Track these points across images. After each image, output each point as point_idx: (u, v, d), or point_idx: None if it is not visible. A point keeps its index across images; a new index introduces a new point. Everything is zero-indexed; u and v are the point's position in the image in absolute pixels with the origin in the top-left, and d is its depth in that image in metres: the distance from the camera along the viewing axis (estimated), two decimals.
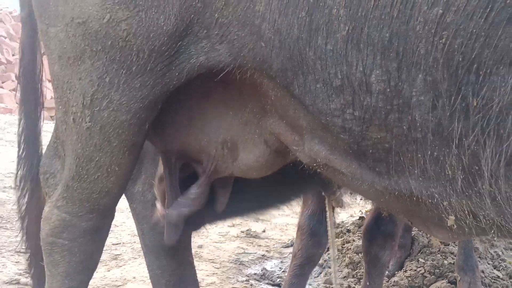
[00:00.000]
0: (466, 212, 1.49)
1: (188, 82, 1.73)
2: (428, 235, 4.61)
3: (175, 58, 1.66)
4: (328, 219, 3.09)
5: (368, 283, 3.37)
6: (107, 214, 2.03)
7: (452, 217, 1.55)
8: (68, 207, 1.95)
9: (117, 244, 4.56)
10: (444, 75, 1.35)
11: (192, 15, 1.60)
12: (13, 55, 14.88)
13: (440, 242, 4.50)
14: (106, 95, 1.71)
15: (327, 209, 3.08)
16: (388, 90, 1.43)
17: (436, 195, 1.52)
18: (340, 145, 1.62)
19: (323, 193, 3.02)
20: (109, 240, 4.55)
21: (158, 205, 2.26)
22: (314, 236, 3.41)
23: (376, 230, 3.24)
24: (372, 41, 1.41)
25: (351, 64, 1.45)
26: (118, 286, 3.81)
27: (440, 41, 1.33)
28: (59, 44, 1.74)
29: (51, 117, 14.43)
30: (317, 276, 4.36)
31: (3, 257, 4.07)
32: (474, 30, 1.29)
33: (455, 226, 1.57)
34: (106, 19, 1.63)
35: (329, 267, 4.47)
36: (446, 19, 1.31)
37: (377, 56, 1.41)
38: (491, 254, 4.45)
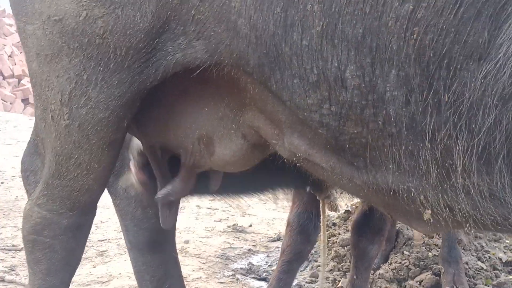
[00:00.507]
0: (442, 205, 1.52)
1: (166, 79, 1.74)
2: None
3: (152, 55, 1.66)
4: (321, 223, 3.12)
5: (355, 277, 3.39)
6: (88, 211, 2.03)
7: (429, 212, 1.57)
8: (49, 205, 1.95)
9: (103, 240, 4.55)
10: (416, 71, 1.37)
11: (169, 12, 1.60)
12: None
13: (424, 234, 4.53)
14: (84, 92, 1.71)
15: (321, 212, 3.12)
16: (363, 85, 1.45)
17: (413, 189, 1.54)
18: (319, 139, 1.63)
19: (317, 197, 3.06)
20: (95, 237, 4.55)
21: (133, 166, 2.26)
22: (303, 233, 3.42)
23: (365, 225, 3.26)
24: (346, 37, 1.42)
25: (326, 59, 1.47)
26: (104, 282, 3.81)
27: (412, 36, 1.35)
28: (37, 41, 1.73)
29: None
30: (303, 270, 4.37)
31: None
32: (444, 26, 1.32)
33: (431, 220, 1.59)
34: (83, 16, 1.63)
35: (316, 261, 4.50)
36: (417, 15, 1.33)
37: (351, 51, 1.43)
38: (475, 245, 4.49)
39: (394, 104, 1.43)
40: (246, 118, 1.84)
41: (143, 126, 2.04)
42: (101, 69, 1.68)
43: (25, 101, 14.59)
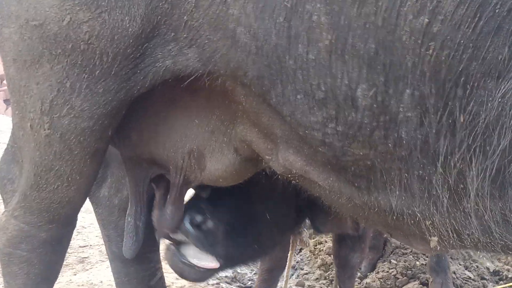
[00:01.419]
0: (450, 231, 1.44)
1: (154, 86, 1.64)
2: None
3: (140, 61, 1.57)
4: (289, 257, 3.10)
5: (339, 286, 3.35)
6: (68, 223, 1.94)
7: (435, 239, 1.50)
8: (26, 217, 1.85)
9: (84, 246, 4.43)
10: (431, 89, 1.29)
11: (159, 17, 1.51)
12: None
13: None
14: (66, 100, 1.61)
15: (290, 248, 3.10)
16: (375, 105, 1.36)
17: (418, 214, 1.46)
18: (318, 157, 1.54)
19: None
20: (76, 242, 4.43)
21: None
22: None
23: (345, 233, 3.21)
24: (358, 52, 1.33)
25: (335, 76, 1.37)
26: None
27: (427, 52, 1.26)
28: (14, 46, 1.63)
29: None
30: (289, 278, 4.30)
31: None
32: (462, 41, 1.23)
33: (437, 247, 1.52)
34: (66, 21, 1.53)
35: (302, 269, 4.43)
36: (433, 28, 1.24)
37: (363, 68, 1.33)
38: (463, 254, 4.46)
39: (407, 126, 1.34)
40: (238, 132, 1.75)
41: (127, 138, 1.93)
42: (86, 76, 1.58)
43: (7, 101, 14.38)
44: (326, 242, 4.60)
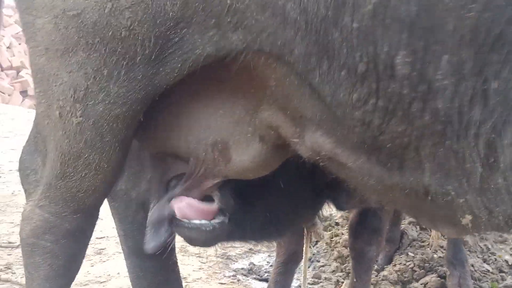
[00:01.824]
0: (482, 208, 1.41)
1: (192, 73, 1.63)
2: (418, 229, 4.57)
3: (180, 46, 1.55)
4: (304, 251, 3.07)
5: (355, 280, 3.33)
6: (92, 214, 1.93)
7: (469, 217, 1.46)
8: (51, 207, 1.84)
9: (101, 238, 4.46)
10: (469, 55, 1.25)
11: (197, 3, 1.49)
12: None
13: (429, 235, 4.47)
14: (102, 87, 1.60)
15: (305, 241, 3.06)
16: (414, 73, 1.32)
17: (452, 192, 1.42)
18: (351, 138, 1.50)
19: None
20: (93, 234, 4.45)
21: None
22: (296, 233, 3.36)
23: (361, 225, 3.19)
24: (399, 16, 1.29)
25: (376, 44, 1.33)
26: (102, 282, 3.72)
27: (469, 14, 1.23)
28: (47, 36, 1.63)
29: (34, 105, 14.27)
30: (302, 269, 4.29)
31: None
32: (504, 3, 1.20)
33: (470, 225, 1.49)
34: (108, 8, 1.52)
35: (318, 261, 4.42)
36: None
37: (403, 33, 1.30)
38: (481, 247, 4.42)
39: (443, 96, 1.31)
40: (264, 118, 1.72)
41: (152, 134, 1.92)
42: (125, 62, 1.57)
43: (23, 93, 14.49)
44: (342, 234, 4.58)
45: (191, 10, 1.50)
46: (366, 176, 1.57)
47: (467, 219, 1.49)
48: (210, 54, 1.56)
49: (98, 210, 1.95)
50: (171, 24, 1.51)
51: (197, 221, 2.03)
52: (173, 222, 2.04)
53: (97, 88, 1.61)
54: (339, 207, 2.63)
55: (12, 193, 5.37)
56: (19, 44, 15.65)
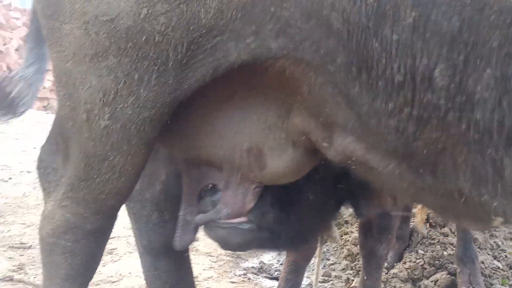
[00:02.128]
0: None
1: (215, 80, 1.65)
2: (428, 226, 4.58)
3: (212, 52, 1.58)
4: (318, 255, 3.08)
5: (365, 277, 3.33)
6: (113, 215, 1.95)
7: (500, 219, 1.48)
8: (73, 208, 1.86)
9: (112, 238, 4.44)
10: None
11: (234, 11, 1.51)
12: (4, 44, 14.69)
13: (440, 233, 4.47)
14: (132, 92, 1.63)
15: (318, 244, 3.08)
16: (452, 85, 1.34)
17: (486, 196, 1.44)
18: (383, 145, 1.53)
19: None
20: None
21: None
22: None
23: (371, 223, 3.19)
24: (440, 31, 1.31)
25: (415, 56, 1.36)
26: (114, 282, 3.75)
27: None
28: (75, 41, 1.65)
29: (43, 107, 14.31)
30: (315, 269, 4.30)
31: None
32: None
33: (501, 224, 1.52)
34: (143, 14, 1.54)
35: (328, 259, 4.43)
36: None
37: (443, 47, 1.32)
38: (491, 244, 4.42)
39: (483, 107, 1.33)
40: (295, 124, 1.74)
41: (182, 136, 1.94)
42: (157, 67, 1.59)
43: None
44: (352, 232, 4.59)
45: (226, 19, 1.52)
46: (397, 180, 1.58)
47: (498, 220, 1.51)
48: (245, 61, 1.58)
49: (118, 211, 1.98)
50: (204, 31, 1.53)
51: (234, 221, 2.07)
52: (206, 224, 2.08)
53: (127, 92, 1.63)
54: (359, 214, 2.65)
55: (23, 194, 5.41)
56: None
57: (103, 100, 1.66)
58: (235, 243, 2.17)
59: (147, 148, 1.76)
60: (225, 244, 2.20)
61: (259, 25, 1.51)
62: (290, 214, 2.20)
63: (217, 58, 1.59)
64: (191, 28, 1.54)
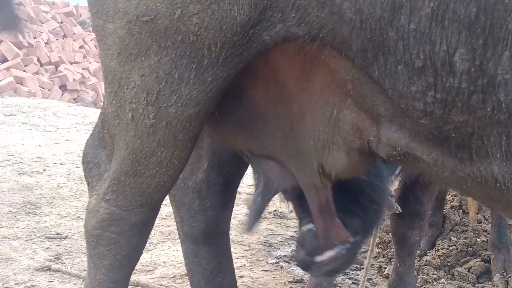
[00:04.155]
0: None
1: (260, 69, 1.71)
2: (461, 213, 4.54)
3: (247, 47, 1.62)
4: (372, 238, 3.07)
5: (398, 264, 3.32)
6: (157, 207, 2.01)
7: None
8: (118, 201, 1.92)
9: None
10: None
11: (266, 0, 1.54)
12: (34, 38, 14.90)
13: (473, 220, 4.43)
14: (174, 90, 1.67)
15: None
16: (473, 69, 1.38)
17: None
18: (421, 131, 1.57)
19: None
20: None
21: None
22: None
23: (403, 210, 3.18)
24: (458, 17, 1.35)
25: (434, 43, 1.40)
26: (149, 271, 3.81)
27: None
28: (119, 40, 1.69)
29: (73, 99, 14.51)
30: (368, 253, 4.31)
31: (33, 243, 4.10)
32: None
33: None
34: (177, 14, 1.58)
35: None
36: None
37: (462, 33, 1.36)
38: None
39: (505, 89, 1.36)
40: (345, 119, 1.77)
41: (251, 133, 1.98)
42: (194, 66, 1.63)
43: (62, 87, 14.72)
44: (383, 220, 4.57)
45: (259, 10, 1.55)
46: (441, 169, 1.61)
47: None
48: (276, 50, 1.62)
49: (161, 203, 2.02)
50: (238, 29, 1.57)
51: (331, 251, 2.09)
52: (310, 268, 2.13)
53: (169, 91, 1.67)
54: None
55: (58, 186, 5.51)
56: (57, 39, 15.90)
57: (146, 100, 1.71)
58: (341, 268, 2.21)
59: (193, 141, 1.81)
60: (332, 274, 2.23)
61: (284, 12, 1.55)
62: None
63: (252, 51, 1.62)
64: (223, 27, 1.57)
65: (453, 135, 1.50)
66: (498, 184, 1.52)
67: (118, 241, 1.97)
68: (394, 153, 1.69)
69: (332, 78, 1.70)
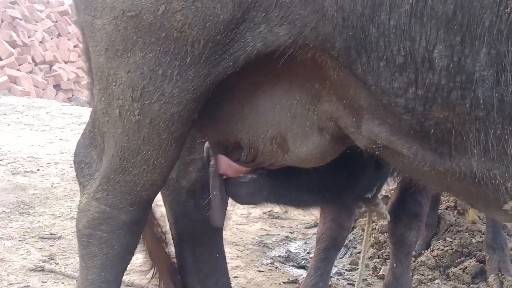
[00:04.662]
0: None
1: (241, 72, 1.68)
2: (456, 213, 4.54)
3: (230, 46, 1.61)
4: (366, 231, 3.07)
5: (395, 265, 3.32)
6: (147, 206, 2.01)
7: (511, 203, 1.50)
8: (108, 200, 1.92)
9: None
10: (508, 48, 1.31)
11: (250, 0, 1.54)
12: (28, 37, 14.86)
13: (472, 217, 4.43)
14: (158, 87, 1.67)
15: (367, 222, 3.08)
16: (451, 66, 1.39)
17: (498, 177, 1.47)
18: (402, 126, 1.58)
19: (364, 207, 3.01)
20: None
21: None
22: (336, 220, 3.37)
23: (401, 210, 3.18)
24: (436, 14, 1.37)
25: (414, 39, 1.42)
26: (144, 271, 3.77)
27: (505, 10, 1.29)
28: (106, 36, 1.69)
29: (68, 99, 14.47)
30: (342, 257, 4.31)
31: (26, 243, 4.08)
32: None
33: (511, 212, 1.52)
34: (161, 10, 1.58)
35: (355, 248, 4.43)
36: None
37: (440, 30, 1.38)
38: None
39: (483, 85, 1.37)
40: (324, 110, 1.77)
41: (216, 124, 1.98)
42: (177, 63, 1.63)
43: (56, 86, 14.69)
44: (378, 220, 4.58)
45: (243, 9, 1.55)
46: (420, 163, 1.62)
47: (509, 205, 1.53)
48: (260, 50, 1.61)
49: (152, 202, 2.02)
50: (221, 27, 1.57)
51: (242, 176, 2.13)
52: (222, 186, 2.13)
53: (153, 88, 1.68)
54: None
55: (52, 186, 5.48)
56: (51, 38, 15.86)
57: (132, 96, 1.71)
58: (245, 195, 2.23)
59: (178, 142, 1.81)
60: (238, 198, 2.26)
61: (267, 11, 1.55)
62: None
63: (236, 50, 1.62)
64: (207, 25, 1.57)
65: (433, 130, 1.52)
66: (476, 180, 1.53)
67: (109, 240, 1.96)
68: (374, 146, 1.70)
69: (316, 76, 1.70)
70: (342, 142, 1.89)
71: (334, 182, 2.42)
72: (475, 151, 1.48)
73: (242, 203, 2.39)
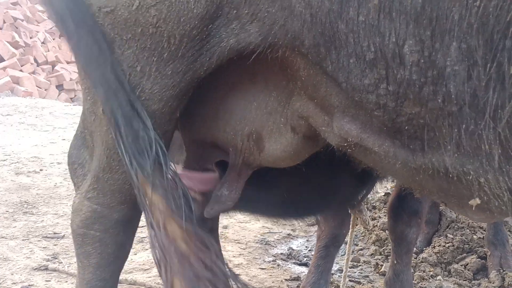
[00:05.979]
0: (503, 189, 1.43)
1: (218, 68, 1.69)
2: None
3: (206, 42, 1.62)
4: (349, 236, 3.10)
5: (395, 262, 3.33)
6: (138, 205, 2.00)
7: (477, 200, 1.50)
8: (99, 198, 1.93)
9: (142, 226, 4.52)
10: (479, 42, 1.29)
11: None
12: (30, 37, 14.88)
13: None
14: (137, 84, 1.68)
15: (350, 226, 3.14)
16: (422, 61, 1.38)
17: (472, 172, 1.46)
18: (373, 122, 1.57)
19: (349, 211, 3.04)
20: None
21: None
22: (337, 217, 3.39)
23: (401, 208, 3.19)
24: (405, 9, 1.35)
25: (383, 35, 1.40)
26: (146, 269, 3.81)
27: (475, 4, 1.27)
28: None
29: (70, 99, 14.49)
30: (343, 255, 4.31)
31: (30, 242, 4.10)
32: None
33: (473, 207, 1.53)
34: (135, 5, 1.59)
35: (356, 245, 4.44)
36: None
37: (410, 24, 1.36)
38: None
39: (454, 80, 1.35)
40: (295, 109, 1.78)
41: (191, 123, 1.99)
42: (155, 59, 1.64)
43: (59, 87, 14.72)
44: (380, 218, 4.59)
45: (216, 4, 1.56)
46: (392, 160, 1.61)
47: (475, 201, 1.53)
48: (233, 47, 1.61)
49: None
50: (196, 22, 1.57)
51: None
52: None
53: (133, 85, 1.69)
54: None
55: (55, 185, 5.50)
56: (53, 39, 15.88)
57: None
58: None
59: (162, 139, 1.79)
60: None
61: (238, 8, 1.56)
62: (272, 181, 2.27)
63: (212, 46, 1.63)
64: (181, 19, 1.57)
65: (405, 127, 1.50)
66: (450, 176, 1.51)
67: (102, 239, 1.98)
68: (345, 144, 1.69)
69: (287, 75, 1.70)
70: (314, 141, 1.89)
71: (319, 192, 2.45)
72: (448, 146, 1.46)
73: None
